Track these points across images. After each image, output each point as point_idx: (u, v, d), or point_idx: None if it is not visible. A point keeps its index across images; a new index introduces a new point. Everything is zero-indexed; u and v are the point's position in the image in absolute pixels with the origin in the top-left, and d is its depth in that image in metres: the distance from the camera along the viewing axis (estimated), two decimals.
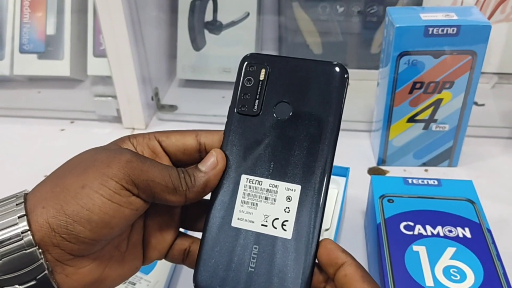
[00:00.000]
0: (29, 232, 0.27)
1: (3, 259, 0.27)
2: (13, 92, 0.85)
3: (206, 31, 0.82)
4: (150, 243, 0.34)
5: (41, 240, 0.27)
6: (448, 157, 0.64)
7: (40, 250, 0.27)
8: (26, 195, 0.29)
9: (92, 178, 0.28)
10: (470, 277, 0.41)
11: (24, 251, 0.27)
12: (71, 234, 0.27)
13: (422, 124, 0.61)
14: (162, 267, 0.50)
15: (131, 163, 0.29)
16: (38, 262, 0.27)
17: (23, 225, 0.27)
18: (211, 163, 0.32)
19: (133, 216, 0.30)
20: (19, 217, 0.27)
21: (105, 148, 0.32)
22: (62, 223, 0.27)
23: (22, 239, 0.27)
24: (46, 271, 0.27)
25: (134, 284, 0.49)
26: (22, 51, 0.82)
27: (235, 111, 0.34)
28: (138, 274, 0.50)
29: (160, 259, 0.35)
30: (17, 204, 0.28)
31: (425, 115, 0.60)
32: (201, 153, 0.34)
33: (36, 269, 0.27)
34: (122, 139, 0.33)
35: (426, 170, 0.65)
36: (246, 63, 0.34)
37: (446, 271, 0.42)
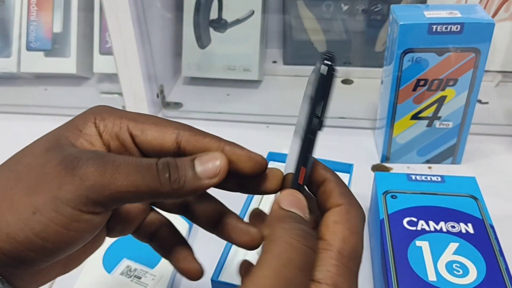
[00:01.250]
0: None
1: None
2: (20, 89, 0.86)
3: (211, 29, 0.82)
4: (114, 220, 0.30)
5: None
6: (451, 154, 0.64)
7: None
8: None
9: (42, 202, 0.24)
10: (473, 272, 0.42)
11: None
12: (23, 259, 0.24)
13: (426, 121, 0.62)
14: (167, 261, 0.51)
15: (87, 180, 0.24)
16: None
17: None
18: (212, 169, 0.26)
19: (96, 231, 0.26)
20: None
21: (60, 145, 0.26)
22: (12, 248, 0.24)
23: None
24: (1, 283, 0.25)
25: (140, 278, 0.49)
26: (29, 48, 0.83)
27: None
28: (144, 268, 0.50)
29: (126, 234, 0.32)
30: None
31: (428, 113, 0.61)
32: (179, 155, 0.28)
33: None
34: (86, 120, 0.27)
35: (429, 167, 0.65)
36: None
37: (449, 266, 0.42)
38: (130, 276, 0.49)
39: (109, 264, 0.50)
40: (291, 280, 0.22)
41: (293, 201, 0.26)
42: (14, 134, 0.78)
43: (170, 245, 0.33)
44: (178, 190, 0.25)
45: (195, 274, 0.32)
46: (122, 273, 0.50)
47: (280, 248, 0.23)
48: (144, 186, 0.25)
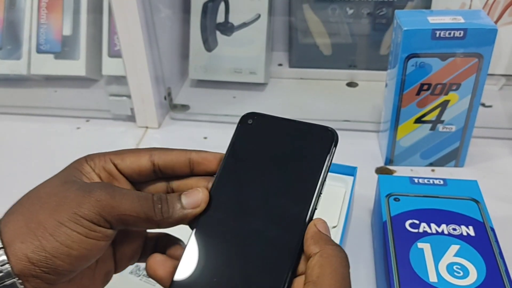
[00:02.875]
0: (8, 264, 0.28)
1: None
2: (30, 91, 0.87)
3: (218, 32, 0.84)
4: (120, 253, 0.35)
5: (20, 272, 0.28)
6: (454, 157, 0.65)
7: (20, 281, 0.28)
8: None
9: (66, 217, 0.29)
10: (473, 274, 0.43)
11: (5, 283, 0.28)
12: (50, 268, 0.29)
13: (429, 125, 0.63)
14: None
15: (100, 202, 0.30)
16: None
17: (2, 258, 0.28)
18: (194, 201, 0.32)
19: (108, 244, 0.31)
20: None
21: (73, 180, 0.32)
22: (42, 258, 0.28)
23: (1, 271, 0.28)
24: None
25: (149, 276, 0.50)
26: (39, 51, 0.84)
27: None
28: None
29: (133, 263, 0.36)
30: None
31: (432, 116, 0.62)
32: (156, 172, 0.34)
33: None
34: (80, 162, 0.33)
35: (433, 170, 0.66)
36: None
37: (450, 267, 0.43)
38: (139, 275, 0.51)
39: None
40: (347, 284, 0.28)
41: (326, 227, 0.31)
42: (24, 135, 0.80)
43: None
44: (167, 219, 0.32)
45: None
46: (131, 272, 0.51)
47: (336, 264, 0.28)
48: (142, 213, 0.31)
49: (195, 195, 0.32)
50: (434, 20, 0.57)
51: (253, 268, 0.30)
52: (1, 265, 0.28)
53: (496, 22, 0.75)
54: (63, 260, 0.29)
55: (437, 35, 0.55)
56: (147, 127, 0.79)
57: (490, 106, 0.78)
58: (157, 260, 0.32)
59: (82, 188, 0.31)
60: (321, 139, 0.33)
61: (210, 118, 0.79)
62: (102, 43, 0.81)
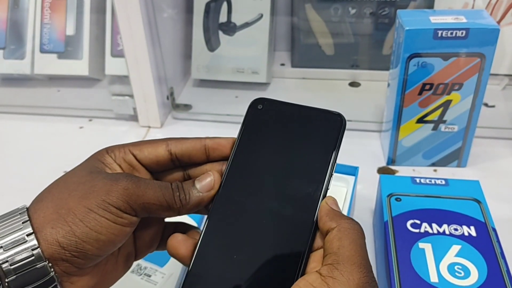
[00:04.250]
0: (39, 249, 0.29)
1: (16, 275, 0.29)
2: (33, 90, 0.88)
3: (220, 32, 0.84)
4: (140, 241, 0.36)
5: (51, 256, 0.30)
6: (457, 157, 0.65)
7: (50, 265, 0.30)
8: (28, 212, 0.31)
9: (95, 204, 0.31)
10: (474, 274, 0.43)
11: (36, 266, 0.29)
12: (80, 252, 0.30)
13: (431, 125, 0.62)
14: (177, 260, 0.52)
15: (127, 190, 0.31)
16: (49, 275, 0.29)
17: (33, 243, 0.29)
18: (207, 184, 0.34)
19: (132, 230, 0.33)
20: (27, 235, 0.30)
21: (96, 170, 0.33)
22: (72, 242, 0.30)
23: (33, 255, 0.29)
24: (57, 283, 0.30)
25: (150, 276, 0.51)
26: (42, 50, 0.84)
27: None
28: (154, 266, 0.52)
29: (152, 251, 0.38)
30: (23, 222, 0.30)
31: (434, 116, 0.62)
32: (174, 161, 0.35)
33: (47, 282, 0.30)
34: (102, 154, 0.35)
35: (435, 170, 0.66)
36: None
37: (451, 268, 0.43)
38: (141, 274, 0.51)
39: None
40: (365, 255, 0.30)
41: (336, 204, 0.33)
42: (28, 135, 0.80)
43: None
44: (186, 205, 0.33)
45: None
46: (132, 271, 0.51)
47: (354, 236, 0.30)
48: (164, 201, 0.32)
49: (207, 179, 0.34)
50: (436, 20, 0.56)
51: (272, 245, 0.32)
52: (32, 249, 0.29)
53: (499, 22, 0.75)
54: (92, 244, 0.30)
55: (439, 35, 0.55)
56: (149, 127, 0.79)
57: (493, 106, 0.77)
58: (179, 239, 0.33)
59: (109, 177, 0.32)
60: (330, 123, 0.35)
61: (212, 118, 0.80)
62: (105, 43, 0.81)
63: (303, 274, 0.30)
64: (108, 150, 0.35)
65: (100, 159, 0.34)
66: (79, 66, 0.83)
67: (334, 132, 0.34)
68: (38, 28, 0.85)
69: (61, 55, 0.84)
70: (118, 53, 0.80)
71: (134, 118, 0.80)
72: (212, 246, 0.32)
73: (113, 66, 0.81)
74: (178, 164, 0.36)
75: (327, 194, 0.33)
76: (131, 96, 0.77)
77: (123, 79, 0.78)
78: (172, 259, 0.52)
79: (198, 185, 0.34)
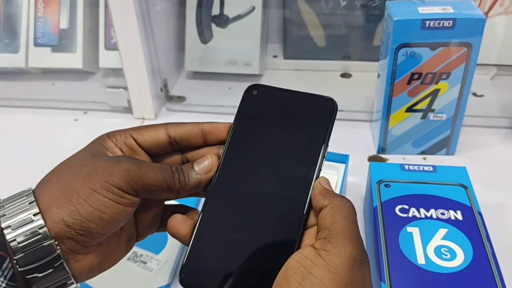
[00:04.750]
0: (45, 228, 0.31)
1: (24, 252, 0.30)
2: (28, 84, 0.88)
3: (213, 25, 0.85)
4: (141, 222, 0.38)
5: (57, 234, 0.31)
6: (445, 145, 0.67)
7: (56, 243, 0.31)
8: (34, 194, 0.32)
9: (98, 184, 0.32)
10: (460, 256, 0.44)
11: (43, 244, 0.30)
12: (85, 230, 0.31)
13: (420, 114, 0.64)
14: (172, 247, 0.54)
15: (129, 171, 0.33)
16: (55, 253, 0.31)
17: (40, 222, 0.31)
18: (205, 166, 0.35)
19: (133, 211, 0.34)
20: (34, 215, 0.31)
21: (100, 153, 0.35)
22: (77, 221, 0.31)
23: (39, 234, 0.30)
24: (63, 260, 0.31)
25: (146, 263, 0.52)
26: (36, 44, 0.85)
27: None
28: (149, 254, 0.53)
29: (152, 233, 0.39)
30: (29, 203, 0.31)
31: (423, 105, 0.63)
32: (172, 144, 0.37)
33: (53, 259, 0.31)
34: (103, 138, 0.36)
35: (424, 158, 0.67)
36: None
37: (438, 250, 0.45)
38: (137, 261, 0.52)
39: None
40: (357, 230, 0.31)
41: (329, 184, 0.35)
42: (23, 128, 0.81)
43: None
44: (185, 187, 0.35)
45: None
46: (129, 259, 0.52)
47: (346, 212, 0.32)
48: (164, 182, 0.34)
49: (205, 162, 0.35)
50: (424, 10, 0.58)
51: (268, 223, 0.33)
52: (39, 228, 0.30)
53: (487, 12, 0.76)
54: (96, 223, 0.32)
55: (427, 25, 0.56)
56: (144, 119, 0.80)
57: (481, 96, 0.79)
58: (178, 220, 0.34)
59: (111, 159, 0.33)
60: (323, 107, 0.36)
61: (206, 109, 0.80)
62: (98, 36, 0.82)
63: (298, 249, 0.32)
64: (109, 135, 0.36)
65: (102, 143, 0.36)
66: (73, 59, 0.83)
67: (326, 116, 0.36)
68: (32, 22, 0.85)
69: (55, 49, 0.84)
70: (111, 46, 0.81)
71: (128, 110, 0.81)
72: (211, 225, 0.34)
73: (107, 59, 0.81)
74: (177, 147, 0.37)
75: (320, 175, 0.35)
76: (125, 88, 0.78)
77: (117, 72, 0.79)
78: (167, 246, 0.54)
79: (196, 167, 0.35)
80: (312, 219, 0.34)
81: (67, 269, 0.32)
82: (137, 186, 0.33)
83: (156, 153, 0.37)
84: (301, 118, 0.36)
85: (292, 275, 0.29)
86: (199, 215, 0.34)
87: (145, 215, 0.38)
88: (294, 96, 0.37)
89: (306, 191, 0.34)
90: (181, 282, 0.33)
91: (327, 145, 0.35)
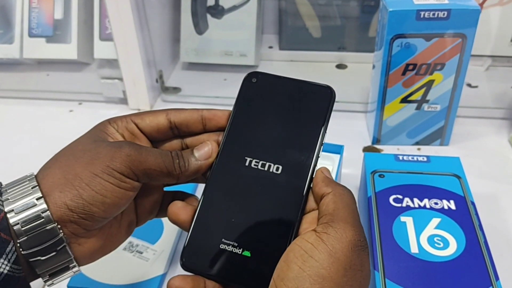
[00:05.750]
0: (48, 211, 0.31)
1: (27, 236, 0.31)
2: (22, 75, 0.88)
3: (208, 15, 0.84)
4: (141, 208, 0.38)
5: (59, 218, 0.31)
6: (439, 136, 0.67)
7: (59, 226, 0.31)
8: (37, 178, 0.33)
9: (100, 169, 0.32)
10: (453, 245, 0.44)
11: (46, 228, 0.31)
12: (87, 214, 0.32)
13: (415, 105, 0.64)
14: (167, 237, 0.54)
15: (130, 156, 0.33)
16: (58, 236, 0.31)
17: (43, 206, 0.31)
18: (205, 152, 0.36)
19: (134, 195, 0.35)
20: (37, 199, 0.31)
21: (99, 139, 0.35)
22: (79, 205, 0.31)
23: (42, 218, 0.31)
24: (65, 243, 0.32)
25: (142, 253, 0.52)
26: (31, 35, 0.84)
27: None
28: (145, 244, 0.53)
29: (152, 218, 0.40)
30: (32, 188, 0.32)
31: (417, 96, 0.63)
32: (173, 129, 0.37)
33: (56, 243, 0.31)
34: (104, 124, 0.36)
35: (418, 149, 0.68)
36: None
37: (431, 239, 0.45)
38: (133, 251, 0.52)
39: None
40: (358, 218, 0.32)
41: (330, 174, 0.35)
42: (18, 119, 0.81)
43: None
44: (185, 172, 0.35)
45: None
46: (125, 249, 0.53)
47: (347, 200, 0.32)
48: (164, 167, 0.34)
49: (205, 148, 0.36)
50: (418, 1, 0.58)
51: (267, 208, 0.34)
52: (42, 212, 0.31)
53: (482, 3, 0.77)
54: (98, 207, 0.32)
55: (422, 16, 0.57)
56: (139, 109, 0.80)
57: (476, 87, 0.79)
58: (179, 206, 0.35)
59: (112, 145, 0.34)
60: (321, 95, 0.36)
61: (201, 100, 0.80)
62: (93, 26, 0.82)
63: (296, 234, 0.33)
64: (110, 121, 0.37)
65: (103, 129, 0.36)
66: (68, 50, 0.83)
67: (325, 103, 0.36)
68: (26, 13, 0.84)
69: (49, 39, 0.84)
70: (106, 37, 0.80)
71: (123, 101, 0.81)
72: (211, 210, 0.34)
73: (102, 49, 0.81)
74: (177, 133, 0.38)
75: (318, 162, 0.35)
76: (121, 79, 0.78)
77: (112, 63, 0.79)
78: (163, 236, 0.54)
79: (196, 153, 0.36)
80: (310, 204, 0.34)
81: (70, 252, 0.32)
82: (138, 170, 0.33)
83: (157, 139, 0.38)
84: (300, 105, 0.36)
85: (292, 259, 0.29)
86: (200, 201, 0.35)
87: (145, 200, 0.38)
88: (293, 84, 0.37)
89: (305, 177, 0.34)
90: (183, 266, 0.33)
91: (325, 132, 0.36)
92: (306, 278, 0.28)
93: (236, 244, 0.33)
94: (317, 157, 0.35)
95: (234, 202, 0.34)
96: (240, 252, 0.33)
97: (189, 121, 0.37)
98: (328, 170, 0.35)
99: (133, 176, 0.33)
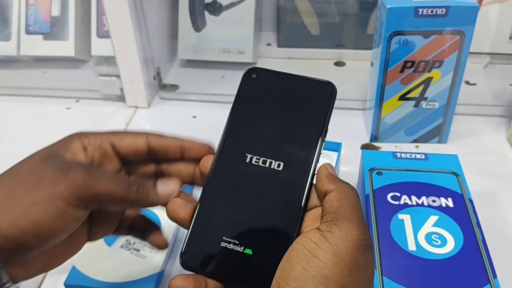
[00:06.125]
0: None
1: None
2: (20, 72, 0.88)
3: (206, 13, 0.84)
4: (96, 226, 0.37)
5: None
6: (438, 133, 0.67)
7: None
8: None
9: (41, 196, 0.30)
10: (451, 243, 0.44)
11: None
12: (21, 244, 0.30)
13: (413, 102, 0.64)
14: (165, 233, 0.54)
15: (76, 181, 0.31)
16: None
17: None
18: (169, 190, 0.35)
19: (77, 225, 0.32)
20: None
21: (54, 156, 0.33)
22: (13, 235, 0.29)
23: None
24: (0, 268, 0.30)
25: (139, 250, 0.52)
26: (28, 32, 0.84)
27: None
28: (142, 241, 0.53)
29: (108, 235, 0.38)
30: None
31: (415, 93, 0.63)
32: (150, 154, 0.36)
33: None
34: (72, 139, 0.35)
35: (417, 146, 0.68)
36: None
37: (428, 237, 0.45)
38: (130, 249, 0.52)
39: (109, 238, 0.53)
40: (362, 216, 0.31)
41: (334, 170, 0.35)
42: (15, 116, 0.81)
43: (145, 230, 0.40)
44: (141, 201, 0.34)
45: (164, 246, 0.41)
46: (122, 246, 0.52)
47: (352, 198, 0.32)
48: (118, 192, 0.32)
49: (170, 185, 0.35)
50: None
51: (269, 205, 0.33)
52: None
53: (481, 0, 0.76)
54: (33, 238, 0.30)
55: (420, 13, 0.56)
56: (136, 107, 0.80)
57: (474, 84, 0.79)
58: (178, 203, 0.34)
59: (60, 167, 0.32)
60: (322, 91, 0.36)
61: (199, 98, 0.80)
62: (90, 23, 0.81)
63: (299, 231, 0.32)
64: (82, 136, 0.35)
65: (67, 143, 0.34)
66: (65, 47, 0.83)
67: (326, 99, 0.36)
68: (24, 9, 0.84)
69: (46, 36, 0.83)
70: (104, 34, 0.80)
71: (121, 98, 0.81)
72: (211, 208, 0.34)
73: (99, 46, 0.81)
74: (154, 157, 0.37)
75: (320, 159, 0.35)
76: (118, 76, 0.78)
77: (110, 60, 0.79)
78: None
79: (160, 187, 0.35)
80: (313, 201, 0.34)
81: (5, 275, 0.31)
82: (85, 195, 0.31)
83: (132, 160, 0.37)
84: (301, 101, 0.36)
85: (295, 258, 0.29)
86: (199, 198, 0.34)
87: (101, 219, 0.36)
88: (293, 79, 0.37)
89: (307, 173, 0.34)
90: (183, 265, 0.33)
91: (327, 129, 0.35)
92: (309, 278, 0.28)
93: (237, 242, 0.33)
94: (319, 153, 0.35)
95: (235, 199, 0.34)
96: (241, 250, 0.32)
97: (169, 148, 0.36)
98: (332, 166, 0.35)
99: (80, 203, 0.31)
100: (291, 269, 0.28)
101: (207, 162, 0.35)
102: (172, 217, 0.34)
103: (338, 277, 0.28)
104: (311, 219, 0.33)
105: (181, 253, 0.33)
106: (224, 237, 0.33)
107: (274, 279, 0.29)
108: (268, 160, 0.34)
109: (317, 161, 0.34)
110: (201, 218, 0.34)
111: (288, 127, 0.35)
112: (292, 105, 0.36)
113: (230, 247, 0.33)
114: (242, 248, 0.32)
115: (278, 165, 0.34)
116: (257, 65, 0.86)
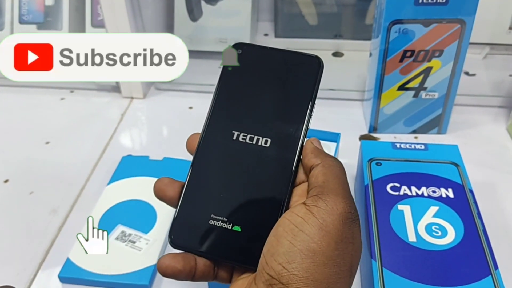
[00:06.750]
0: None
1: None
2: None
3: (202, 2, 0.83)
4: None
5: None
6: (437, 124, 0.66)
7: None
8: None
9: None
10: (451, 233, 0.44)
11: None
12: None
13: (412, 92, 0.63)
14: (161, 226, 0.53)
15: None
16: None
17: None
18: None
19: None
20: None
21: None
22: None
23: None
24: None
25: (134, 242, 0.51)
26: (21, 21, 0.83)
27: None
28: (138, 233, 0.52)
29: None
30: None
31: (415, 83, 0.62)
32: None
33: None
34: None
35: (416, 137, 0.67)
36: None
37: (428, 228, 0.44)
38: (125, 241, 0.51)
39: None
40: (348, 189, 0.31)
41: (320, 144, 0.34)
42: (9, 106, 0.79)
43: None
44: None
45: None
46: (117, 238, 0.52)
47: (337, 171, 0.31)
48: None
49: None
50: None
51: (256, 182, 0.33)
52: None
53: None
54: None
55: (420, 1, 0.56)
56: (132, 98, 0.79)
57: (473, 75, 0.78)
58: (165, 182, 0.34)
59: None
60: (309, 66, 0.35)
61: (195, 88, 0.79)
62: (85, 13, 0.80)
63: (287, 207, 0.32)
64: None
65: None
66: None
67: (313, 74, 0.35)
68: None
69: (40, 26, 0.82)
70: (98, 24, 0.79)
71: (116, 89, 0.79)
72: (199, 186, 0.33)
73: None
74: None
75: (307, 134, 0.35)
76: None
77: None
78: (156, 225, 0.53)
79: None
80: (300, 177, 0.33)
81: None
82: None
83: None
84: (287, 76, 0.35)
85: (282, 233, 0.29)
86: (187, 176, 0.34)
87: None
88: (279, 54, 0.36)
89: (294, 148, 0.34)
90: (171, 243, 0.33)
91: (314, 103, 0.35)
92: (296, 252, 0.27)
93: (225, 219, 0.32)
94: (306, 128, 0.34)
95: (222, 177, 0.34)
96: (230, 227, 0.32)
97: None
98: (318, 141, 0.34)
99: None
100: (278, 244, 0.28)
101: (194, 141, 0.35)
102: (159, 196, 0.34)
103: (325, 251, 0.28)
104: (298, 195, 0.33)
105: (170, 232, 0.33)
106: (212, 215, 0.33)
107: (261, 255, 0.29)
108: (255, 137, 0.34)
109: (304, 137, 0.34)
110: (189, 197, 0.33)
111: (275, 103, 0.35)
112: (279, 80, 0.35)
113: (219, 225, 0.32)
114: (230, 225, 0.32)
115: (266, 142, 0.34)
116: None
